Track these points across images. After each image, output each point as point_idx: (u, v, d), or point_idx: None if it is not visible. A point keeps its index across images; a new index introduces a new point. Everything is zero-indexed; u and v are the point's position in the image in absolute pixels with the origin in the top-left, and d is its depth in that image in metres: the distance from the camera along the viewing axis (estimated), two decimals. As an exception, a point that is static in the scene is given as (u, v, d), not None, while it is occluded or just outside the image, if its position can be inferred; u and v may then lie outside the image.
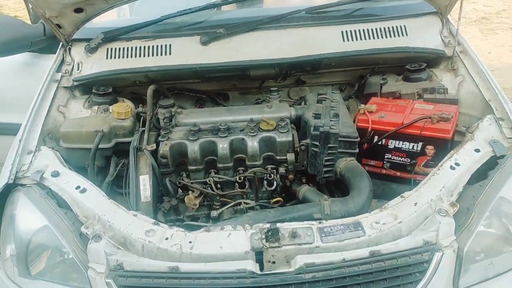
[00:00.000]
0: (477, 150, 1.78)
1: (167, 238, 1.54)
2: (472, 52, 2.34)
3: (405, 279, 1.50)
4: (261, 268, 1.49)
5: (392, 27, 2.39)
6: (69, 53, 2.44)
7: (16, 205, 1.73)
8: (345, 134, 1.91)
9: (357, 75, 2.60)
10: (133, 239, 1.54)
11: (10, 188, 1.78)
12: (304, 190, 1.96)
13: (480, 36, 6.99)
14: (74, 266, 1.61)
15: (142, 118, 2.24)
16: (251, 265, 1.47)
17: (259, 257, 1.51)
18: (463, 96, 2.22)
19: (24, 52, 2.88)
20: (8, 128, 2.87)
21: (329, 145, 1.90)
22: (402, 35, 2.37)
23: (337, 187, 2.07)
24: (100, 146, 2.02)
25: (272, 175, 1.99)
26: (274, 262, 1.51)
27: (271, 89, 2.38)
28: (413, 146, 1.98)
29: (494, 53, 6.27)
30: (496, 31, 7.14)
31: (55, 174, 1.79)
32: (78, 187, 1.73)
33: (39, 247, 1.69)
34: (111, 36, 2.42)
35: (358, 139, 1.93)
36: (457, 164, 1.72)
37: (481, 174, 1.75)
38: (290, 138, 1.99)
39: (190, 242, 1.53)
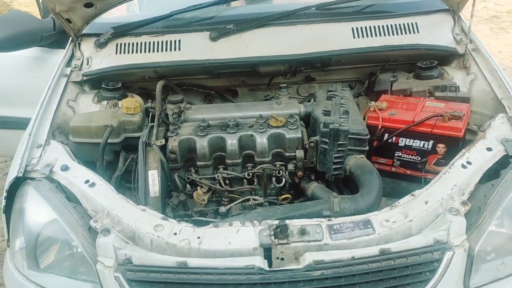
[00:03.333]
0: (489, 149, 1.76)
1: (175, 233, 1.54)
2: (484, 50, 2.31)
3: (415, 278, 1.49)
4: (270, 265, 1.49)
5: (404, 24, 2.36)
6: (79, 48, 2.44)
7: (25, 198, 1.74)
8: (355, 131, 1.89)
9: (367, 73, 2.58)
10: (142, 234, 1.54)
11: (20, 181, 1.78)
12: (313, 187, 1.95)
13: (491, 34, 6.92)
14: (83, 259, 1.61)
15: (150, 113, 2.24)
16: (259, 262, 1.47)
17: (267, 253, 1.50)
18: (475, 94, 2.20)
19: (34, 47, 2.89)
20: (18, 122, 2.88)
21: (339, 142, 1.89)
22: (414, 32, 2.35)
23: (346, 184, 2.05)
24: (109, 141, 2.02)
25: (281, 171, 1.98)
26: (282, 259, 1.50)
27: (280, 85, 2.37)
28: (423, 144, 1.96)
29: (505, 52, 6.20)
30: (508, 30, 7.06)
31: (65, 168, 1.79)
32: (87, 181, 1.73)
33: (48, 240, 1.69)
34: (121, 31, 2.42)
35: (368, 136, 1.92)
36: (468, 163, 1.70)
37: (493, 173, 1.73)
38: (300, 135, 1.98)
39: (199, 237, 1.53)
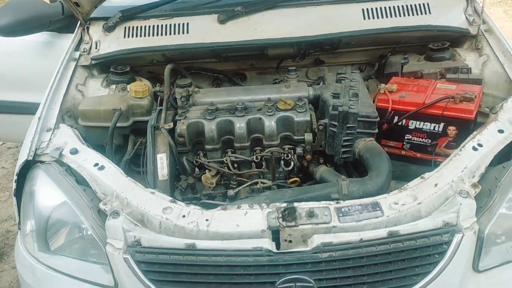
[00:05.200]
0: (501, 131, 1.73)
1: (184, 216, 1.54)
2: (497, 31, 2.27)
3: (424, 260, 1.49)
4: (278, 247, 1.49)
5: (415, 5, 2.32)
6: (87, 32, 2.45)
7: (35, 181, 1.75)
8: (364, 114, 1.87)
9: (377, 55, 2.55)
10: (151, 216, 1.55)
11: (30, 164, 1.80)
12: (322, 170, 1.94)
13: (504, 17, 6.78)
14: (93, 242, 1.63)
15: (159, 97, 2.24)
16: (267, 244, 1.47)
17: (275, 236, 1.50)
18: (487, 76, 2.16)
19: (43, 32, 2.89)
20: (28, 107, 2.90)
21: (348, 125, 1.87)
22: (425, 13, 2.31)
23: (355, 168, 2.04)
24: (118, 124, 2.02)
25: (289, 155, 1.97)
26: (290, 241, 1.50)
27: (289, 68, 2.35)
28: (434, 126, 1.94)
29: (519, 35, 6.08)
30: (522, 12, 6.92)
31: (74, 152, 1.80)
32: (96, 165, 1.74)
33: (58, 223, 1.71)
34: (129, 14, 2.41)
35: (378, 119, 1.89)
36: (480, 145, 1.68)
37: (504, 156, 1.71)
38: (308, 118, 1.96)
39: (207, 220, 1.53)
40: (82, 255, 1.68)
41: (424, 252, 1.48)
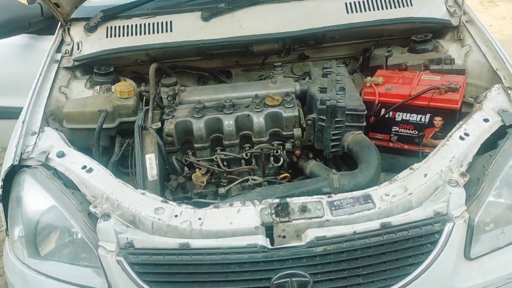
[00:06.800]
0: (486, 120, 1.76)
1: (176, 216, 1.53)
2: (478, 21, 2.30)
3: (417, 250, 1.50)
4: (272, 243, 1.49)
5: None
6: (68, 33, 2.40)
7: (22, 186, 1.72)
8: (352, 107, 1.88)
9: (361, 49, 2.56)
10: (143, 217, 1.54)
11: (16, 169, 1.76)
12: (311, 165, 1.94)
13: (481, 8, 6.89)
14: (84, 245, 1.61)
15: (144, 97, 2.21)
16: (261, 240, 1.47)
17: (269, 232, 1.50)
18: (470, 66, 2.19)
19: (22, 34, 2.83)
20: (7, 112, 2.85)
21: (336, 119, 1.88)
22: (407, 6, 2.33)
23: (344, 162, 2.05)
24: (104, 126, 2.00)
25: (278, 151, 1.97)
26: (284, 237, 1.50)
27: (275, 64, 2.34)
28: (421, 118, 1.96)
29: (496, 26, 6.18)
30: (497, 3, 7.04)
31: (61, 155, 1.77)
32: (84, 167, 1.71)
33: (47, 227, 1.69)
34: (111, 14, 2.38)
35: (366, 112, 1.91)
36: (466, 134, 1.70)
37: (490, 144, 1.73)
38: (297, 113, 1.96)
39: (200, 218, 1.52)
40: (73, 259, 1.65)
41: (416, 242, 1.50)
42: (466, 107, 1.99)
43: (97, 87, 2.26)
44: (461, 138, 1.69)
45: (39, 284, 1.66)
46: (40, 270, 1.67)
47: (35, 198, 1.69)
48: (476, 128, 1.73)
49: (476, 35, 2.25)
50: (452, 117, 1.90)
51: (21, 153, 1.79)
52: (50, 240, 1.69)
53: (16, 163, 1.75)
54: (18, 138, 1.84)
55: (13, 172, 1.76)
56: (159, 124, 1.99)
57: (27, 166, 1.76)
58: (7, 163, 1.77)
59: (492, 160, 1.65)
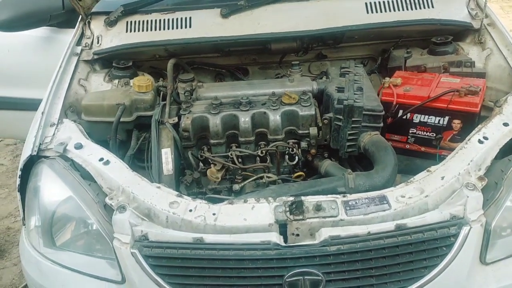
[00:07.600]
0: (506, 124, 1.74)
1: (191, 210, 1.54)
2: (500, 25, 2.27)
3: (431, 253, 1.49)
4: (285, 241, 1.49)
5: None
6: (89, 26, 2.43)
7: (40, 176, 1.74)
8: (369, 108, 1.87)
9: (379, 49, 2.55)
10: (157, 211, 1.54)
11: (34, 160, 1.79)
12: (326, 164, 1.94)
13: (501, 13, 6.79)
14: (99, 237, 1.63)
15: (161, 92, 2.23)
16: (275, 237, 1.47)
17: (283, 229, 1.50)
18: (490, 70, 2.17)
19: (43, 27, 2.87)
20: (26, 103, 2.89)
21: (353, 119, 1.87)
22: (428, 7, 2.31)
23: (359, 162, 2.04)
24: (122, 119, 2.01)
25: (294, 149, 1.96)
26: (298, 235, 1.50)
27: (293, 63, 2.34)
28: (439, 120, 1.94)
29: (517, 30, 6.10)
30: (519, 8, 6.94)
31: (78, 146, 1.79)
32: (101, 159, 1.72)
33: (63, 218, 1.71)
34: (131, 9, 2.40)
35: (383, 112, 1.89)
36: (485, 138, 1.68)
37: (510, 149, 1.71)
38: (313, 112, 1.96)
39: (214, 214, 1.53)
40: (88, 250, 1.67)
41: (431, 244, 1.48)
42: (485, 111, 1.97)
43: (116, 81, 2.28)
44: (480, 141, 1.67)
45: (54, 273, 1.68)
46: (55, 259, 1.69)
47: (52, 189, 1.72)
48: (495, 132, 1.71)
49: (498, 38, 2.22)
50: (471, 120, 1.87)
51: (40, 144, 1.81)
52: (65, 230, 1.71)
53: (35, 153, 1.78)
54: (37, 129, 1.86)
55: (31, 162, 1.79)
56: (176, 119, 2.01)
57: (45, 157, 1.79)
58: (26, 153, 1.79)
59: (511, 165, 1.63)
